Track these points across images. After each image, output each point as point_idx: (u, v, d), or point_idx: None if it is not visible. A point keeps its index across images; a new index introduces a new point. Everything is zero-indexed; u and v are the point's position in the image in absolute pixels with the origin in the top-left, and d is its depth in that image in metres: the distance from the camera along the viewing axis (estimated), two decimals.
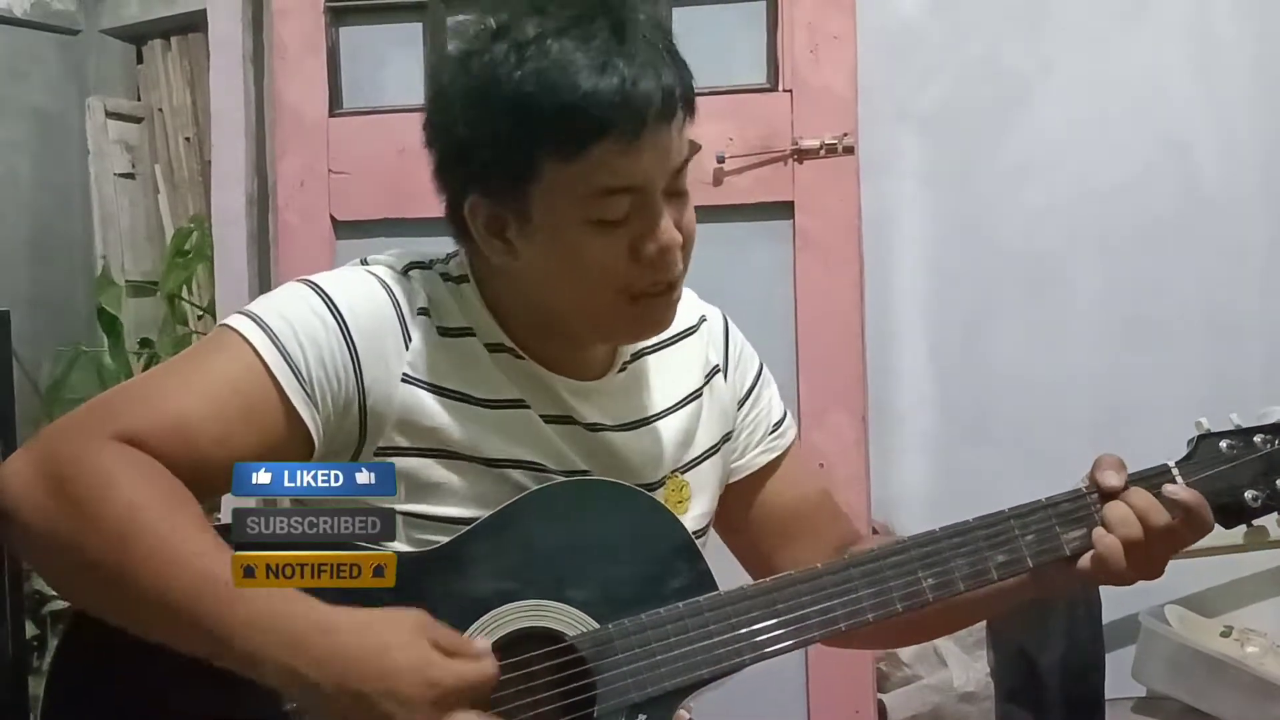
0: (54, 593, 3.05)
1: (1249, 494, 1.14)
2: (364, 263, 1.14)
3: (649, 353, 1.21)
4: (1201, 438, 1.16)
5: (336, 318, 1.05)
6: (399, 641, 0.93)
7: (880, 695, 2.35)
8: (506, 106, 1.00)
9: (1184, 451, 1.18)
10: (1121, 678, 2.31)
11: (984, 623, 2.29)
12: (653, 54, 1.01)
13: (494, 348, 1.12)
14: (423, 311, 1.09)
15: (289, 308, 1.06)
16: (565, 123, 0.99)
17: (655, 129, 1.01)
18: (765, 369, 1.29)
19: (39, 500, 0.95)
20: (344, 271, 1.12)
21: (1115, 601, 2.29)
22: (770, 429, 1.28)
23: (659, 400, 1.20)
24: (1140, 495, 1.10)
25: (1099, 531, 1.10)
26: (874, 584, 1.08)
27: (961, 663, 2.36)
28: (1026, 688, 2.21)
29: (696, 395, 1.22)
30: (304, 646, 0.92)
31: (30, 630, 2.72)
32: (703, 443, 1.22)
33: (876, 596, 1.08)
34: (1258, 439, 1.16)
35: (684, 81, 1.03)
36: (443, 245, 1.18)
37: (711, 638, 1.05)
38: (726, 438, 1.25)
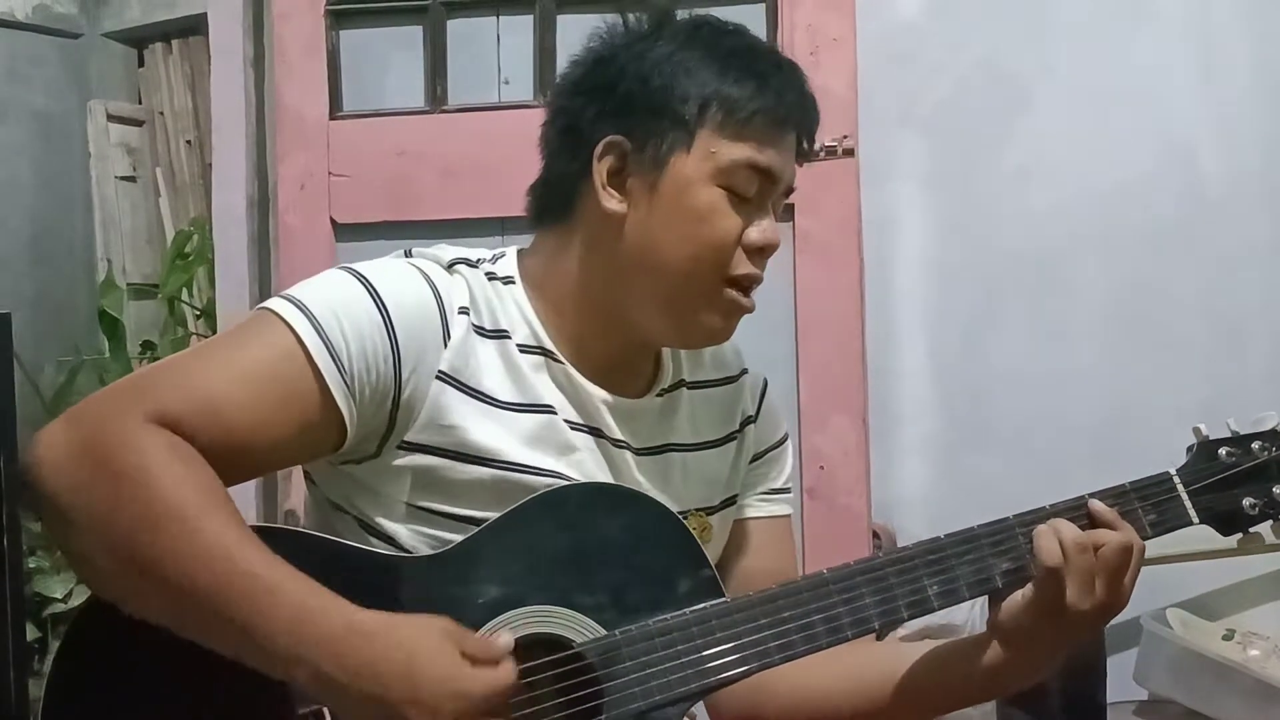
0: (55, 595, 3.05)
1: (1247, 501, 1.14)
2: (407, 254, 1.13)
3: (689, 387, 1.21)
4: (1200, 444, 1.16)
5: (381, 310, 1.05)
6: (427, 649, 0.93)
7: None
8: (692, 63, 1.09)
9: (1184, 455, 1.18)
10: (1123, 681, 2.30)
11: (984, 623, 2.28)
12: (808, 85, 1.16)
13: (529, 350, 1.11)
14: (463, 310, 1.09)
15: (334, 296, 1.05)
16: (743, 90, 1.09)
17: (797, 137, 1.14)
18: (789, 444, 1.30)
19: (74, 475, 0.94)
20: (388, 262, 1.11)
21: None
22: (767, 491, 1.27)
23: (688, 434, 1.20)
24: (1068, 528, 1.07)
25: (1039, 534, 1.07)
26: (879, 591, 1.07)
27: None
28: (1027, 691, 2.20)
29: (731, 439, 1.23)
30: (334, 648, 0.91)
31: (32, 633, 2.72)
32: (733, 485, 1.23)
33: (882, 604, 1.07)
34: (1255, 445, 1.16)
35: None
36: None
37: (718, 645, 1.04)
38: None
